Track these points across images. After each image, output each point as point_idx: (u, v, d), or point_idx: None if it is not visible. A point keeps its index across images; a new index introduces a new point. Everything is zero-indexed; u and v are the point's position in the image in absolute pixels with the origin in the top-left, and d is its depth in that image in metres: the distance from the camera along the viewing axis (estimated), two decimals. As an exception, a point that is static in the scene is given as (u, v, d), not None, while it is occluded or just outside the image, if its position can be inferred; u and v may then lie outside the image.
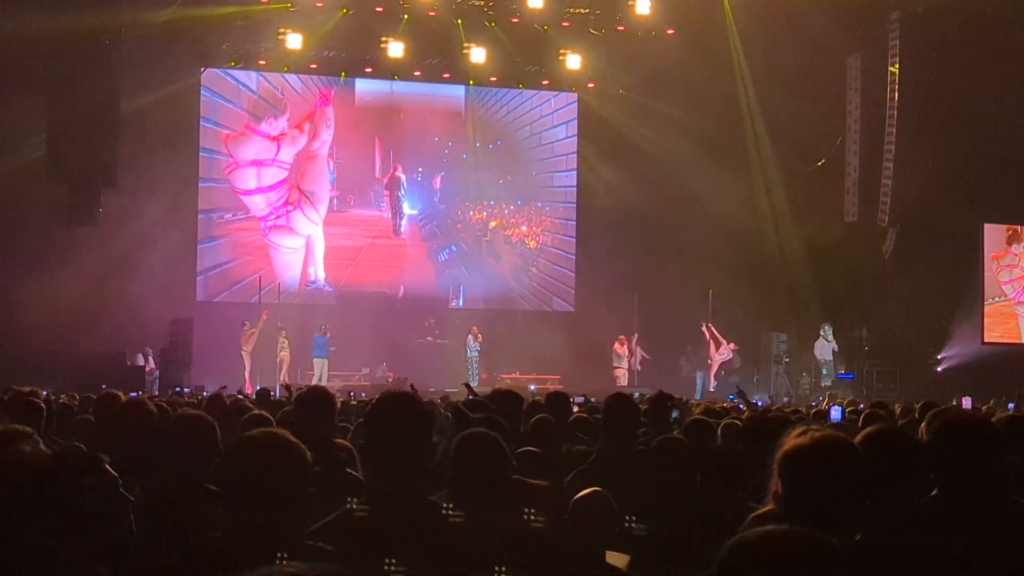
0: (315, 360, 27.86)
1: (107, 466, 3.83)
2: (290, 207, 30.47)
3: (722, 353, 29.24)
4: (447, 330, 30.56)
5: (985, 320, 27.67)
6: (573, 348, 29.39)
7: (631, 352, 29.68)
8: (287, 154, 30.56)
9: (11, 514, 3.71)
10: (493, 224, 32.49)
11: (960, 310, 27.29)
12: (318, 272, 30.72)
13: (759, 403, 21.06)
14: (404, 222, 31.68)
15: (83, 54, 23.30)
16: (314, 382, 26.41)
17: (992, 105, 25.11)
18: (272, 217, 30.39)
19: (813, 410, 13.26)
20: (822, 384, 27.21)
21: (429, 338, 30.31)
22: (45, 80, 23.52)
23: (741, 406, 14.94)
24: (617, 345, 29.35)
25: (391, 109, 31.65)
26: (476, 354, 28.91)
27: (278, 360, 28.11)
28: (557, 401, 8.42)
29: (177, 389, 20.81)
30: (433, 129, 31.85)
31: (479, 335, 29.11)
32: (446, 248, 32.08)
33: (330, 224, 31.07)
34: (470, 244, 32.20)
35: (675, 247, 29.19)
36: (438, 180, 31.99)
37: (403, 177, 31.50)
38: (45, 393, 17.09)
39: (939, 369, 27.47)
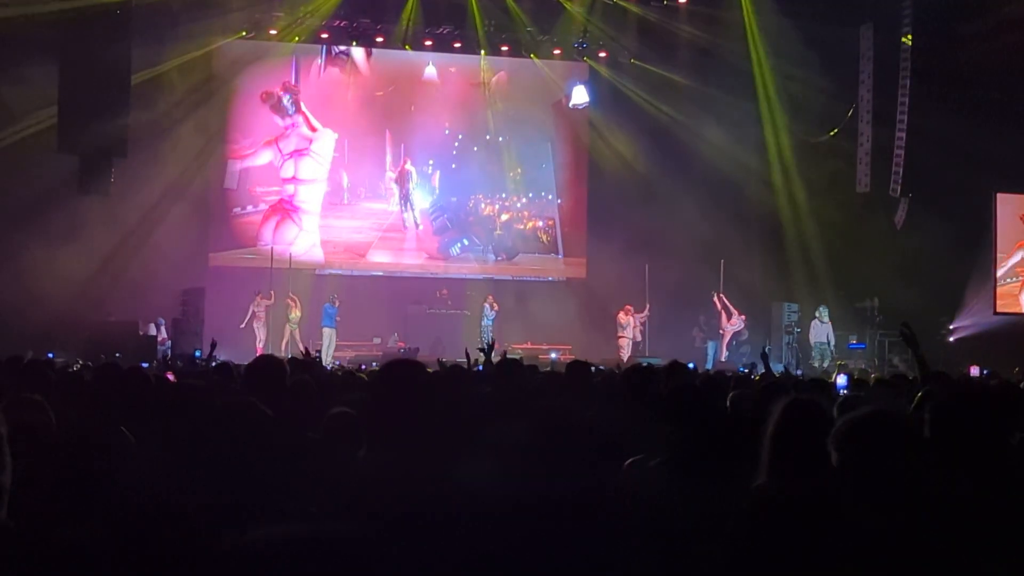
0: (324, 329, 27.93)
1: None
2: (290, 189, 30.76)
3: (734, 324, 29.22)
4: (460, 301, 30.60)
5: (997, 291, 27.60)
6: (584, 318, 29.44)
7: (637, 323, 29.64)
8: (291, 136, 30.75)
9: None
10: (505, 217, 32.39)
11: (972, 280, 27.22)
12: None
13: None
14: (416, 216, 31.63)
15: (93, 23, 23.26)
16: (324, 351, 26.62)
17: (1005, 74, 24.98)
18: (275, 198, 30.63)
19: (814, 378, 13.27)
20: (824, 364, 27.10)
21: (442, 309, 30.35)
22: (55, 50, 23.49)
23: (758, 370, 14.96)
24: (621, 315, 29.32)
25: (402, 95, 31.55)
26: (491, 323, 28.84)
27: (288, 329, 28.23)
28: (578, 370, 8.30)
29: (196, 354, 20.88)
30: (443, 119, 31.68)
31: (495, 304, 29.07)
32: (457, 241, 32.01)
33: (339, 217, 31.10)
34: (482, 238, 32.13)
35: (687, 217, 29.11)
36: (449, 173, 31.86)
37: (413, 171, 31.41)
38: (51, 356, 17.28)
39: (951, 339, 27.42)
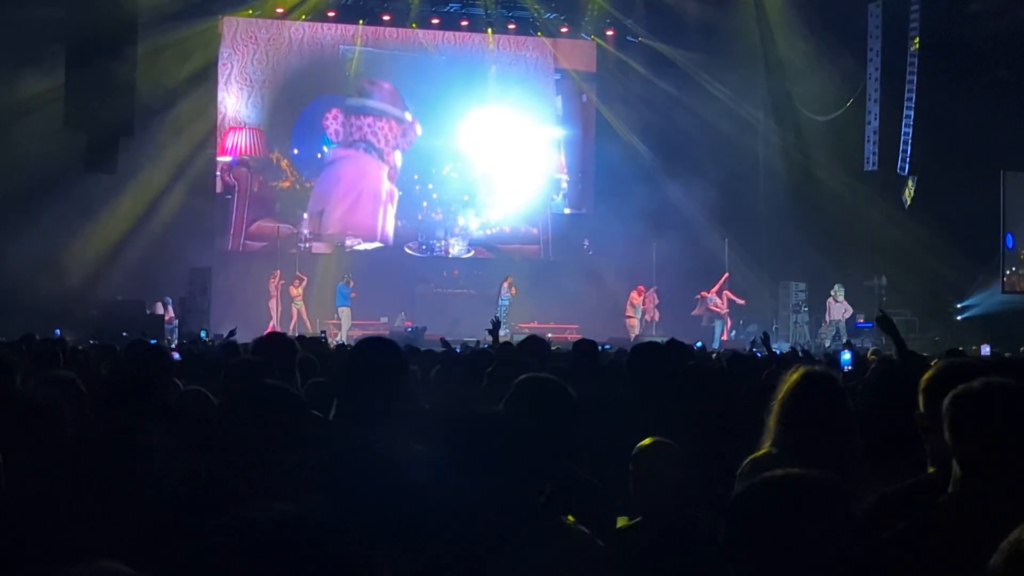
0: (340, 309, 27.99)
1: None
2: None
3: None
4: (469, 280, 30.57)
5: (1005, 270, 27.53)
6: (590, 298, 29.39)
7: (648, 303, 29.56)
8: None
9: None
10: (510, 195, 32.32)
11: (980, 259, 27.15)
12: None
13: (778, 351, 21.06)
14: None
15: (99, 1, 23.21)
16: (342, 331, 26.76)
17: (1014, 52, 24.88)
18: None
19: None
20: (841, 341, 27.00)
21: (450, 288, 30.31)
22: (61, 28, 23.45)
23: (759, 353, 14.92)
24: (634, 294, 29.26)
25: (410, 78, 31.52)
26: (507, 304, 28.60)
27: (295, 308, 28.26)
28: (585, 349, 8.26)
29: (203, 335, 20.90)
30: (449, 98, 31.60)
31: (513, 288, 28.84)
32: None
33: (347, 195, 31.09)
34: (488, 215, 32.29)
35: (694, 195, 29.06)
36: (454, 150, 31.79)
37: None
38: (58, 332, 17.27)
39: (959, 318, 27.40)
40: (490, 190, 31.88)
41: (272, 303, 28.18)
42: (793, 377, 4.35)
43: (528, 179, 32.16)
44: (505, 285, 28.64)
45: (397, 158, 31.32)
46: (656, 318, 29.54)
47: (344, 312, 27.99)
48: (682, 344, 8.40)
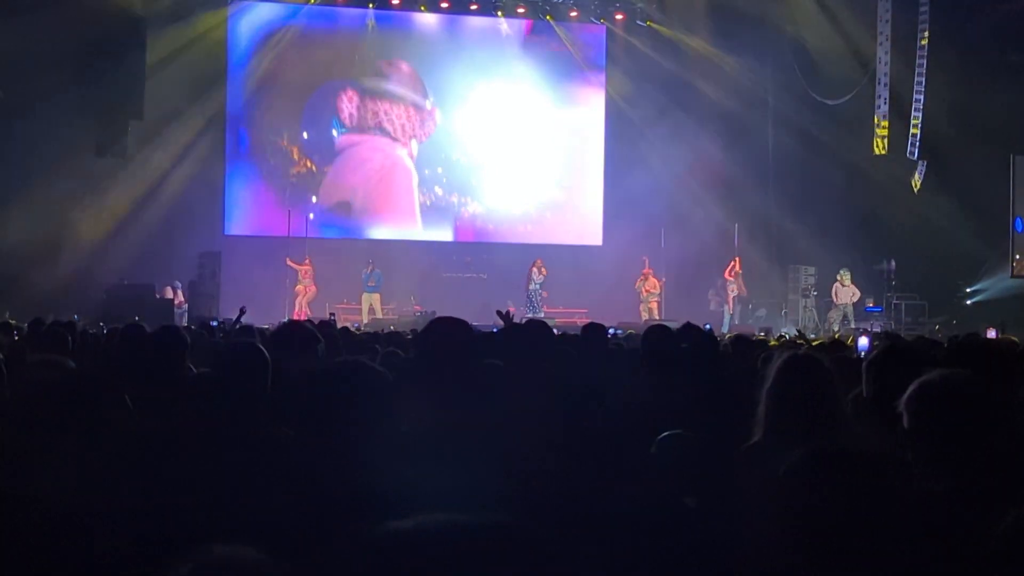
0: (364, 295, 28.05)
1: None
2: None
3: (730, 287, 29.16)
4: (482, 265, 30.48)
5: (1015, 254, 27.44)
6: (600, 283, 29.33)
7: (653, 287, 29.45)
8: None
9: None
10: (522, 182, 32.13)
11: (989, 244, 27.08)
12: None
13: (787, 336, 21.08)
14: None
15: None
16: (363, 316, 26.70)
17: (1024, 35, 24.81)
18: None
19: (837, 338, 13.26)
20: (849, 326, 26.95)
21: (459, 273, 30.23)
22: (72, 11, 23.47)
23: (774, 334, 14.98)
24: (641, 280, 29.18)
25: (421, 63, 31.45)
26: (539, 287, 28.46)
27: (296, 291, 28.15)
28: (593, 333, 8.26)
29: (215, 323, 20.83)
30: (461, 86, 31.46)
31: (543, 269, 28.70)
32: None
33: (355, 180, 31.05)
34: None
35: (702, 181, 29.02)
36: (464, 139, 31.64)
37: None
38: (76, 318, 17.33)
39: (968, 302, 27.34)
40: (536, 172, 31.71)
41: (299, 288, 28.02)
42: (778, 363, 4.34)
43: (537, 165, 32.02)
44: (534, 269, 28.45)
45: (414, 147, 31.19)
46: (660, 302, 29.42)
47: (367, 297, 28.01)
48: (697, 327, 8.44)
